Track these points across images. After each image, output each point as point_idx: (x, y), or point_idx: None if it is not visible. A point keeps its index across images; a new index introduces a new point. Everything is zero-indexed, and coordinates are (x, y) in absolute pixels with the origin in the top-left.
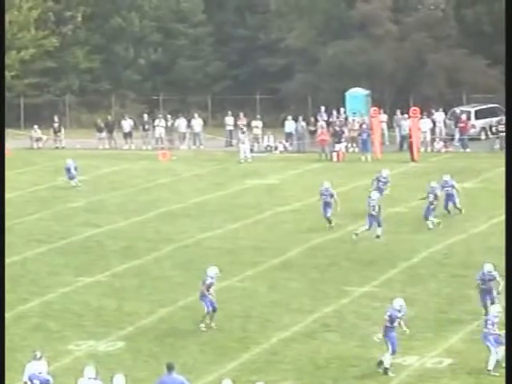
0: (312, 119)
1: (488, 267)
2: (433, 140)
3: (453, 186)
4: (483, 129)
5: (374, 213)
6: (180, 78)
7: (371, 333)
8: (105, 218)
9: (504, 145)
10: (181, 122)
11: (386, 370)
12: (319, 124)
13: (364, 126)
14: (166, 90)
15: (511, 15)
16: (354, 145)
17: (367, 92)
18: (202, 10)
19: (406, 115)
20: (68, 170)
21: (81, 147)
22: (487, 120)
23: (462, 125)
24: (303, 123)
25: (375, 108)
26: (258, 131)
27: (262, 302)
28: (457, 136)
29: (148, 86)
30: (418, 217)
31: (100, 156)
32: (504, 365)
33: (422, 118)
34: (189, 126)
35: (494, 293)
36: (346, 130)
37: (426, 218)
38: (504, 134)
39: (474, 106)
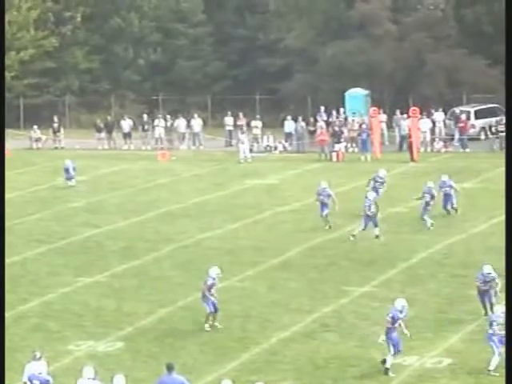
0: (311, 119)
1: (487, 268)
2: (432, 140)
3: (451, 186)
4: (483, 129)
5: (369, 213)
6: (179, 78)
7: (370, 333)
8: (104, 218)
9: (504, 145)
10: (180, 122)
11: (386, 370)
12: (319, 124)
13: (363, 126)
14: (165, 90)
15: (511, 15)
16: (354, 145)
17: (367, 92)
18: (201, 10)
19: (405, 115)
20: (66, 170)
21: (80, 147)
22: (487, 120)
23: (461, 125)
24: (303, 123)
25: (375, 108)
26: (257, 131)
27: (261, 302)
28: (456, 136)
29: (147, 87)
30: (418, 217)
31: (99, 156)
32: (504, 365)
33: (421, 118)
34: (188, 126)
35: (494, 293)
36: (345, 130)
37: (422, 218)
38: (504, 133)
39: (474, 106)
